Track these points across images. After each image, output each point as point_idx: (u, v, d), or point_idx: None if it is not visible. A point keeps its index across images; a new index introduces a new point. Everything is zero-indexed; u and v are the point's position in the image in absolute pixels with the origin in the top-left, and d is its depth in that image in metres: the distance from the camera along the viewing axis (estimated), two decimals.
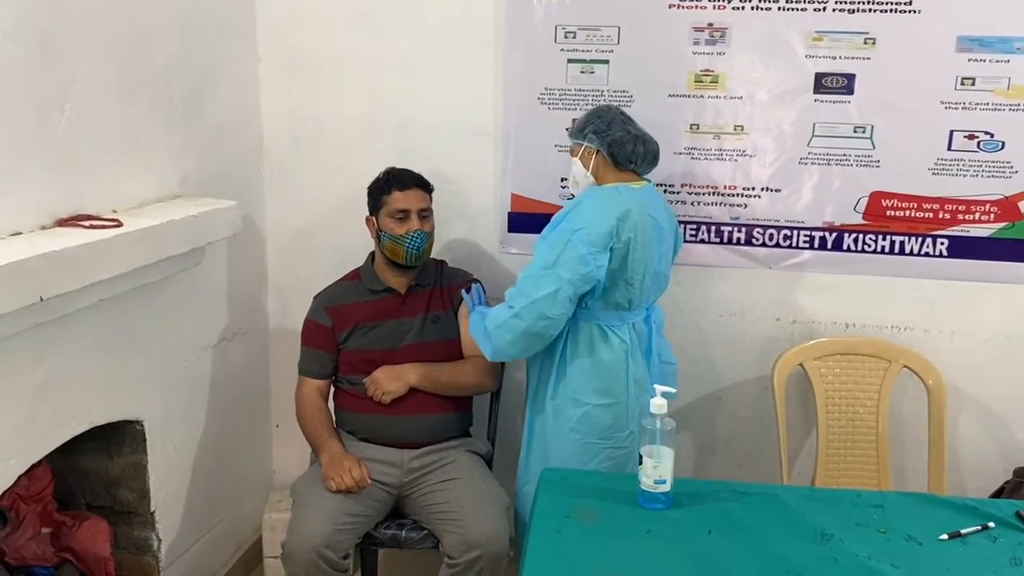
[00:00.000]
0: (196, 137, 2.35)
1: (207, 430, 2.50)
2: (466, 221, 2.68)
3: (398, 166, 2.41)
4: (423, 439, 2.31)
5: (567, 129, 2.31)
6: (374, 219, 2.38)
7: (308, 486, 2.22)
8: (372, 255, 2.46)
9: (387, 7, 2.59)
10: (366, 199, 2.41)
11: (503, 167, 2.65)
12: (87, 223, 1.82)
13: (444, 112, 2.63)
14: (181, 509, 2.39)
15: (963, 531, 1.61)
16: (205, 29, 2.38)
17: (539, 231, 2.61)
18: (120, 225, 1.86)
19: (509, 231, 2.69)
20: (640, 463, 1.67)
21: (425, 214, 2.35)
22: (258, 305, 2.81)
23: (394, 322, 2.36)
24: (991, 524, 1.63)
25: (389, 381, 2.29)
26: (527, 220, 2.66)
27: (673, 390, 1.66)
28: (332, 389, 2.44)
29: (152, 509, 2.24)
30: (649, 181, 2.23)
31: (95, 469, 2.21)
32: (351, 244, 2.55)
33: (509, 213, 2.67)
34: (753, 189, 2.57)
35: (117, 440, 2.19)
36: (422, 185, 2.37)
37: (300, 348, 2.41)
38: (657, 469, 1.65)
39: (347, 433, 2.37)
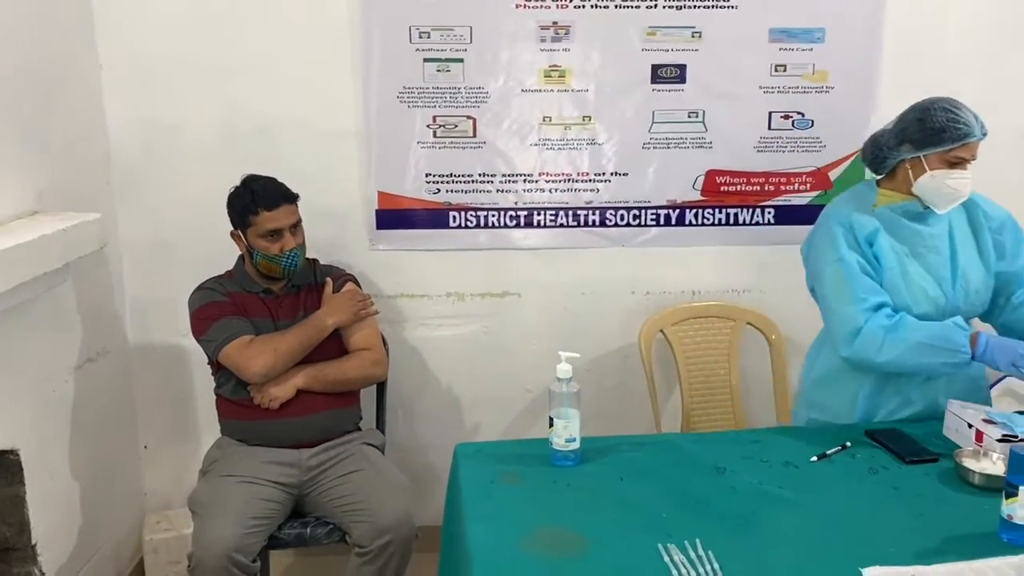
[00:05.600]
0: (48, 150, 2.24)
1: (81, 455, 2.38)
2: (334, 220, 2.71)
3: (258, 172, 2.35)
4: (317, 438, 2.33)
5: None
6: (241, 235, 2.33)
7: (209, 494, 2.18)
8: (242, 258, 2.42)
9: (236, 9, 2.57)
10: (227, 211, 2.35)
11: (367, 166, 2.70)
12: None
13: (304, 113, 2.64)
14: (62, 539, 2.28)
15: (828, 452, 1.87)
16: (46, 37, 2.27)
17: (408, 227, 2.74)
18: None
19: (378, 228, 2.74)
20: (551, 426, 1.80)
21: (296, 228, 2.33)
22: (117, 323, 2.69)
23: (272, 322, 2.35)
24: (848, 444, 1.90)
25: (275, 386, 2.29)
26: (395, 217, 2.73)
27: (577, 354, 1.80)
28: (215, 398, 2.40)
29: (33, 542, 2.11)
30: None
31: None
32: (214, 255, 2.47)
33: (377, 211, 2.73)
34: (603, 174, 2.77)
35: None
36: (289, 198, 2.31)
37: (209, 329, 2.27)
38: (567, 429, 1.79)
39: (238, 441, 2.34)
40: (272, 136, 2.64)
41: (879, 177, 2.10)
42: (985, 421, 1.87)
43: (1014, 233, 2.09)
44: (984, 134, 1.93)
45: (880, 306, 1.98)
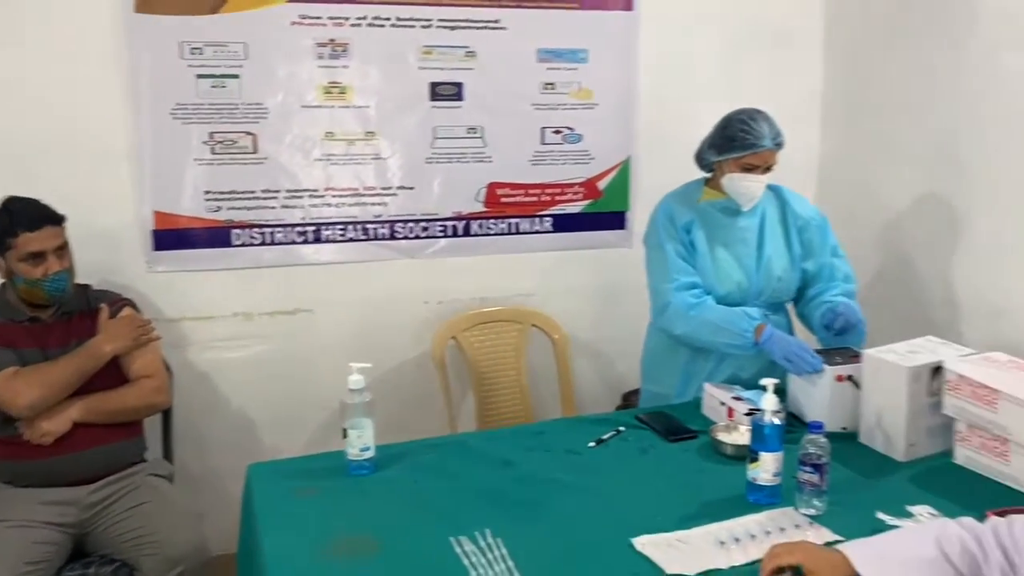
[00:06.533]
0: None
1: None
2: (107, 243, 2.59)
3: (18, 195, 2.20)
4: (98, 473, 2.21)
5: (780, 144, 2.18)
6: (1, 261, 2.19)
7: None
8: (4, 286, 2.26)
9: None
10: None
11: (141, 185, 2.60)
12: None
13: (69, 134, 2.52)
14: None
15: (603, 437, 2.03)
16: None
17: (188, 247, 2.67)
18: None
19: (155, 249, 2.65)
20: (344, 436, 1.83)
21: (61, 251, 2.21)
22: None
23: (40, 352, 2.21)
24: (622, 428, 2.08)
25: (47, 420, 2.15)
26: (174, 237, 2.65)
27: (368, 364, 1.84)
28: None
29: None
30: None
31: None
32: None
33: (153, 231, 2.63)
34: (390, 188, 2.84)
35: None
36: (53, 220, 2.19)
37: None
38: (361, 438, 1.83)
39: (5, 483, 2.18)
40: (35, 158, 2.49)
41: (708, 176, 2.32)
42: (735, 399, 2.11)
43: (820, 233, 2.32)
44: (777, 145, 2.15)
45: (690, 286, 2.23)
